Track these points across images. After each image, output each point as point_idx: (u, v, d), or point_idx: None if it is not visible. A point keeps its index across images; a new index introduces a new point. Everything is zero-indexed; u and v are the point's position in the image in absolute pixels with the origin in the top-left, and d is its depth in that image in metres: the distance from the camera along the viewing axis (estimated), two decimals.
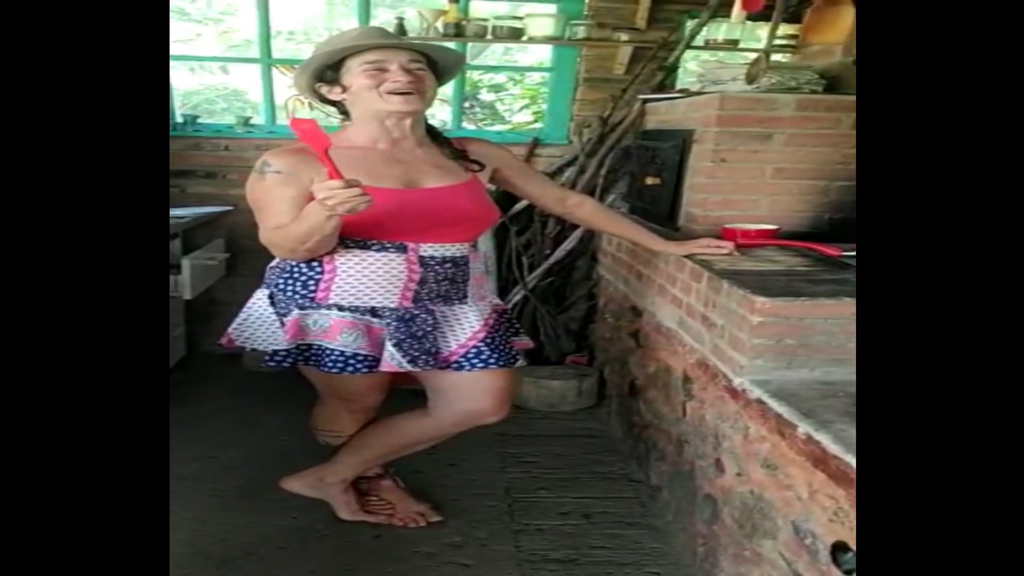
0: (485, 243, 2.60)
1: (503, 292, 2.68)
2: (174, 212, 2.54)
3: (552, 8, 2.82)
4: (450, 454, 2.20)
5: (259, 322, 1.56)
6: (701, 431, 1.67)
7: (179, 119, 2.93)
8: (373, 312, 1.51)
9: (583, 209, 1.82)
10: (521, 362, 1.65)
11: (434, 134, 1.62)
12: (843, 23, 1.98)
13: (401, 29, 2.70)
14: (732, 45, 2.70)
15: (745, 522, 1.45)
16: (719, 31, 2.66)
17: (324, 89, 1.53)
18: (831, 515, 1.17)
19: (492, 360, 1.56)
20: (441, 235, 1.51)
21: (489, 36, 2.76)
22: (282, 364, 1.50)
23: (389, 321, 1.51)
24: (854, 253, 1.70)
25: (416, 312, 1.52)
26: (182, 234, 2.51)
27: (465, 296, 1.58)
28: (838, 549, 1.14)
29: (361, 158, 1.46)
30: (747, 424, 1.45)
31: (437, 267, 1.52)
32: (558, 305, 2.78)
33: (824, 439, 1.17)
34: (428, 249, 1.49)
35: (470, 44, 3.00)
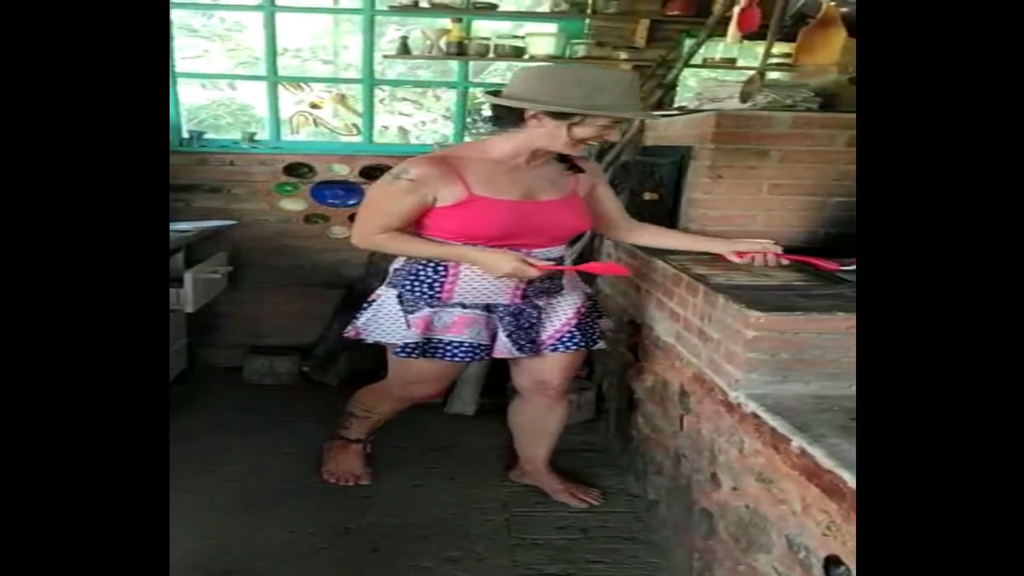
0: None
1: None
2: (179, 226, 2.55)
3: (553, 27, 2.86)
4: (449, 468, 2.21)
5: (388, 319, 1.78)
6: (698, 445, 1.67)
7: (185, 135, 2.97)
8: (487, 308, 1.74)
9: (646, 232, 1.91)
10: (601, 344, 1.95)
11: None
12: (834, 45, 2.01)
13: (404, 47, 2.74)
14: (730, 63, 2.74)
15: (741, 536, 1.45)
16: (717, 50, 2.69)
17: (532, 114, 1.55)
18: (824, 529, 1.17)
19: (582, 342, 1.84)
20: (546, 241, 1.72)
21: (491, 55, 2.80)
22: (411, 355, 1.73)
23: (502, 316, 1.75)
24: (849, 268, 1.72)
25: (523, 307, 1.76)
26: (185, 248, 2.53)
27: (562, 288, 1.82)
28: (831, 563, 1.15)
29: (491, 171, 1.64)
30: (742, 438, 1.45)
31: None
32: None
33: (817, 453, 1.18)
34: (535, 253, 1.69)
35: (472, 62, 3.03)
